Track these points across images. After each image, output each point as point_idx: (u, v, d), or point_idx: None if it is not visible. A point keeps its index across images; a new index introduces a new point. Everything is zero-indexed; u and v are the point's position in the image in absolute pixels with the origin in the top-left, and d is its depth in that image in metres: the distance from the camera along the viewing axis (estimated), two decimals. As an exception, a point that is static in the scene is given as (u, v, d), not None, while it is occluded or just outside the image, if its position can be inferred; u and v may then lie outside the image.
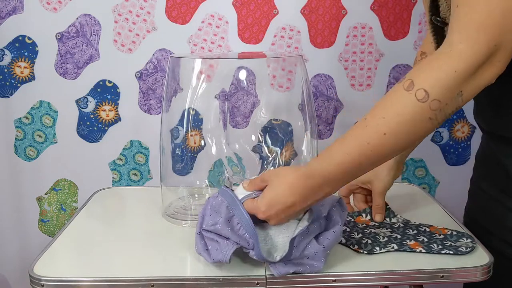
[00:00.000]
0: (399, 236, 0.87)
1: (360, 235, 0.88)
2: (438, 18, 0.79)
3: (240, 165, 1.04)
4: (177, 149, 1.07)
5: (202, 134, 1.07)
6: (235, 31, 1.21)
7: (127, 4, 1.19)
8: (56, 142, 1.26)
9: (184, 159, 1.09)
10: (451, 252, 0.81)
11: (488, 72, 0.65)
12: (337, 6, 1.20)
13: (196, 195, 1.08)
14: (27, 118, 1.24)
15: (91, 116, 1.25)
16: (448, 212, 1.01)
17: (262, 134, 1.05)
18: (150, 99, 1.24)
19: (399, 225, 0.92)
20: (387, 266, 0.79)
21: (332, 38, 1.22)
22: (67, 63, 1.21)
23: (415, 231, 0.89)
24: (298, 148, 1.05)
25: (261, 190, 0.75)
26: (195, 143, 1.10)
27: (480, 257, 0.80)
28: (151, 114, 1.25)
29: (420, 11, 1.21)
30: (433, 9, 0.80)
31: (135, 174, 1.29)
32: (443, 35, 0.82)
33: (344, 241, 0.85)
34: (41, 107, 1.24)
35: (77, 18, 1.19)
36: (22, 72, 1.21)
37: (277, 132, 1.05)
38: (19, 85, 1.22)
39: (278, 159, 1.03)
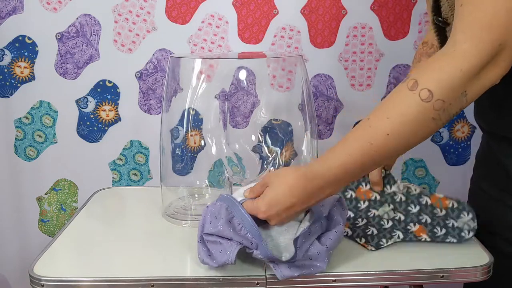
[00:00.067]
0: (402, 217, 0.86)
1: (365, 221, 0.87)
2: (440, 18, 0.78)
3: (240, 165, 1.04)
4: (177, 149, 1.07)
5: (202, 134, 1.07)
6: (235, 31, 1.21)
7: (127, 4, 1.19)
8: (56, 142, 1.26)
9: (184, 159, 1.09)
10: (454, 240, 0.82)
11: (493, 72, 0.65)
12: (337, 6, 1.20)
13: (196, 195, 1.08)
14: (27, 118, 1.24)
15: (91, 116, 1.25)
16: (448, 212, 1.01)
17: (262, 134, 1.05)
18: (150, 99, 1.24)
19: (400, 197, 0.90)
20: (387, 266, 0.79)
21: (332, 38, 1.22)
22: (67, 63, 1.21)
23: (417, 208, 0.88)
24: (298, 148, 1.05)
25: None
26: (195, 143, 1.10)
27: (480, 257, 0.80)
28: (151, 114, 1.25)
29: (420, 11, 1.21)
30: (435, 9, 0.80)
31: (135, 174, 1.29)
32: (445, 35, 0.83)
33: (350, 233, 0.85)
34: (41, 107, 1.24)
35: (77, 18, 1.19)
36: (22, 72, 1.21)
37: (277, 132, 1.05)
38: (19, 85, 1.22)
39: (278, 159, 1.03)
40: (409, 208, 0.88)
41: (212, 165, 1.06)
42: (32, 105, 1.24)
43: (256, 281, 0.76)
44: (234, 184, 1.02)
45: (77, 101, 1.24)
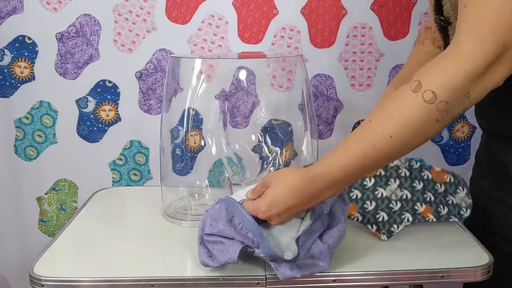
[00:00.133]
0: (409, 195, 0.87)
1: (374, 204, 0.87)
2: (441, 18, 0.78)
3: (240, 165, 1.04)
4: (177, 149, 1.07)
5: (202, 134, 1.07)
6: (235, 31, 1.21)
7: (127, 4, 1.19)
8: (56, 142, 1.26)
9: (184, 159, 1.09)
10: (456, 219, 0.86)
11: (497, 73, 0.64)
12: (337, 6, 1.20)
13: (196, 195, 1.08)
14: (27, 118, 1.24)
15: (91, 116, 1.25)
16: (448, 212, 1.01)
17: (262, 134, 1.05)
18: (150, 99, 1.24)
19: (404, 172, 0.90)
20: (387, 266, 0.79)
21: (332, 38, 1.22)
22: (67, 63, 1.21)
23: (421, 184, 0.89)
24: (298, 148, 1.05)
25: None
26: (195, 143, 1.10)
27: (480, 257, 0.80)
28: (151, 114, 1.25)
29: (420, 11, 1.21)
30: (437, 8, 0.80)
31: (135, 174, 1.29)
32: (447, 34, 0.83)
33: (360, 218, 0.84)
34: (41, 107, 1.24)
35: (77, 18, 1.19)
36: (22, 72, 1.21)
37: (277, 132, 1.05)
38: (19, 85, 1.22)
39: (278, 159, 1.03)
40: (414, 184, 0.88)
41: (212, 165, 1.06)
42: (32, 105, 1.24)
43: (256, 281, 0.76)
44: (234, 184, 1.02)
45: (77, 101, 1.24)
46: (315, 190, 0.70)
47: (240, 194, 0.79)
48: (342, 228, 0.78)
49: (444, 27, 0.81)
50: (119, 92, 1.24)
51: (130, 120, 1.25)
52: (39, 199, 1.29)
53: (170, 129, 1.05)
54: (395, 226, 0.84)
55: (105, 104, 1.24)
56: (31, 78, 1.22)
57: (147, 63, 1.22)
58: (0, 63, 1.21)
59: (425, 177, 0.89)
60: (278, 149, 1.04)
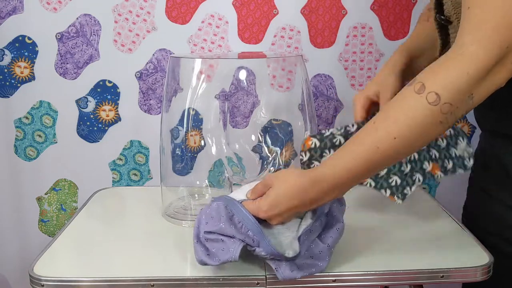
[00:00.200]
0: (416, 156, 0.87)
1: (385, 169, 0.86)
2: (442, 16, 0.78)
3: (240, 165, 1.04)
4: (177, 149, 1.07)
5: (202, 134, 1.07)
6: (235, 31, 1.21)
7: (127, 4, 1.19)
8: (56, 142, 1.26)
9: (184, 159, 1.09)
10: (462, 171, 0.86)
11: (500, 74, 0.65)
12: (337, 6, 1.20)
13: (196, 195, 1.08)
14: (27, 118, 1.24)
15: (91, 116, 1.25)
16: (448, 212, 1.01)
17: (262, 134, 1.05)
18: (150, 99, 1.24)
19: None
20: (387, 266, 0.79)
21: (332, 38, 1.22)
22: (67, 63, 1.21)
23: None
24: (298, 148, 1.05)
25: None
26: (195, 143, 1.10)
27: (480, 257, 0.80)
28: (151, 114, 1.25)
29: (420, 11, 1.21)
30: (438, 6, 0.80)
31: (135, 174, 1.29)
32: (447, 33, 0.83)
33: (373, 184, 0.84)
34: (41, 107, 1.24)
35: (77, 18, 1.19)
36: (22, 72, 1.21)
37: (277, 132, 1.05)
38: (19, 85, 1.22)
39: (278, 159, 1.03)
40: None
41: (212, 165, 1.06)
42: (32, 105, 1.24)
43: (256, 281, 0.76)
44: (234, 184, 1.02)
45: (77, 101, 1.24)
46: (318, 192, 0.70)
47: (237, 195, 0.79)
48: (341, 228, 0.78)
49: (444, 26, 0.81)
50: (119, 92, 1.24)
51: (130, 120, 1.25)
52: (39, 199, 1.29)
53: (170, 129, 1.05)
54: (408, 188, 0.84)
55: (105, 104, 1.24)
56: (31, 78, 1.22)
57: (147, 63, 1.22)
58: (0, 63, 1.21)
59: None
60: (278, 149, 1.04)
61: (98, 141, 1.26)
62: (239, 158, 1.04)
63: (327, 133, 0.86)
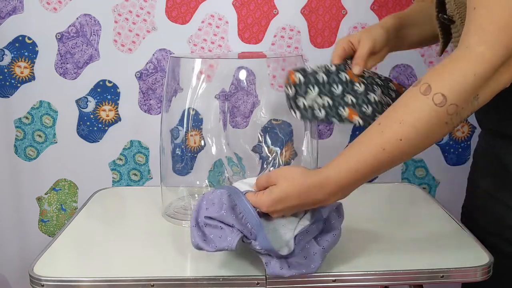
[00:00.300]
0: (330, 102, 0.84)
1: (299, 114, 0.84)
2: (445, 16, 0.78)
3: (240, 165, 1.04)
4: (177, 149, 1.07)
5: (202, 134, 1.07)
6: (235, 31, 1.21)
7: (127, 4, 1.19)
8: (56, 142, 1.26)
9: (184, 159, 1.09)
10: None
11: (505, 75, 0.65)
12: (337, 6, 1.20)
13: (196, 195, 1.08)
14: (27, 118, 1.24)
15: (91, 116, 1.25)
16: (448, 212, 1.01)
17: (262, 134, 1.05)
18: (150, 99, 1.24)
19: (322, 77, 0.86)
20: (387, 266, 0.79)
21: (332, 38, 1.22)
22: (67, 63, 1.21)
23: (340, 88, 0.85)
24: (298, 148, 1.05)
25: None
26: (195, 143, 1.10)
27: (480, 257, 0.80)
28: (151, 114, 1.25)
29: (420, 11, 1.21)
30: (439, 5, 0.80)
31: (135, 174, 1.29)
32: (448, 31, 0.83)
33: (361, 122, 0.82)
34: (41, 107, 1.24)
35: (77, 18, 1.19)
36: (22, 72, 1.21)
37: (277, 132, 1.05)
38: (19, 85, 1.22)
39: (278, 159, 1.03)
40: (333, 89, 0.85)
41: (212, 165, 1.06)
42: (32, 105, 1.24)
43: (256, 281, 0.76)
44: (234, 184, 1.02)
45: (77, 101, 1.24)
46: (322, 194, 0.70)
47: (241, 185, 0.78)
48: (338, 234, 0.78)
49: (445, 26, 0.81)
50: (119, 92, 1.24)
51: (130, 120, 1.25)
52: (39, 199, 1.29)
53: (170, 129, 1.05)
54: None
55: (105, 104, 1.24)
56: (31, 78, 1.22)
57: (147, 63, 1.22)
58: (0, 63, 1.21)
59: (343, 79, 0.85)
60: (278, 149, 1.04)
61: (98, 141, 1.26)
62: (239, 158, 1.04)
63: (309, 70, 0.85)
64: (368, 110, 0.84)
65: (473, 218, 0.93)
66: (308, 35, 1.22)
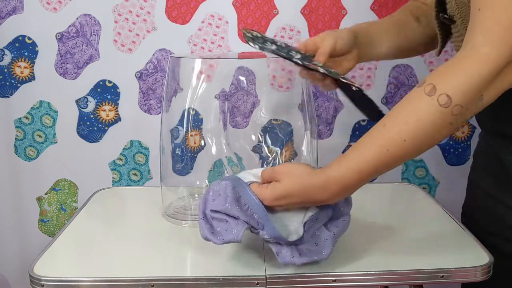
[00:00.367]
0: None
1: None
2: (445, 16, 0.78)
3: (240, 165, 1.04)
4: (177, 149, 1.07)
5: (202, 134, 1.07)
6: (235, 31, 1.21)
7: (127, 4, 1.19)
8: (56, 142, 1.26)
9: (184, 159, 1.09)
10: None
11: (510, 75, 0.65)
12: (337, 6, 1.20)
13: (196, 195, 1.08)
14: (27, 118, 1.24)
15: (91, 116, 1.25)
16: (448, 212, 1.01)
17: (262, 134, 1.05)
18: (150, 99, 1.24)
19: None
20: (387, 266, 0.79)
21: (332, 38, 1.22)
22: (67, 63, 1.21)
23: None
24: (298, 148, 1.05)
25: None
26: (195, 143, 1.10)
27: (480, 257, 0.80)
28: (151, 114, 1.25)
29: (420, 11, 1.21)
30: (439, 5, 0.80)
31: (135, 174, 1.29)
32: (447, 31, 0.83)
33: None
34: (41, 107, 1.24)
35: (77, 18, 1.19)
36: (22, 72, 1.21)
37: (277, 132, 1.05)
38: (19, 85, 1.22)
39: (278, 159, 1.03)
40: (291, 54, 0.86)
41: (212, 165, 1.05)
42: (32, 105, 1.24)
43: (256, 281, 0.76)
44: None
45: (77, 101, 1.24)
46: (326, 194, 0.70)
47: (247, 176, 0.78)
48: (347, 220, 0.78)
49: (446, 25, 0.81)
50: (119, 92, 1.24)
51: (130, 120, 1.25)
52: (39, 199, 1.29)
53: (170, 129, 1.05)
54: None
55: (105, 104, 1.24)
56: (31, 78, 1.22)
57: (147, 63, 1.22)
58: (0, 63, 1.21)
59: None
60: (278, 149, 1.04)
61: (98, 141, 1.26)
62: (239, 158, 1.04)
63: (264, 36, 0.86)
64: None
65: (473, 218, 0.93)
66: (308, 35, 1.22)
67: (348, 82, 0.84)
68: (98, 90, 1.23)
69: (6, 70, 1.21)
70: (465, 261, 0.79)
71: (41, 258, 0.82)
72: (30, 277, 0.77)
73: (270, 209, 0.74)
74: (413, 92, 0.68)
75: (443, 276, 0.77)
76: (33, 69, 1.21)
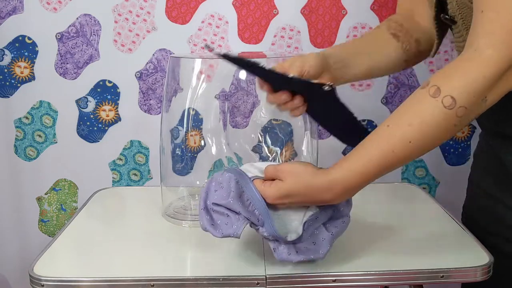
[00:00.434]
0: None
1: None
2: (446, 16, 0.78)
3: (240, 165, 1.04)
4: (177, 149, 1.07)
5: (202, 134, 1.07)
6: (235, 31, 1.21)
7: (127, 4, 1.19)
8: (56, 142, 1.26)
9: (184, 159, 1.09)
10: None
11: None
12: (337, 6, 1.20)
13: (196, 195, 1.08)
14: (27, 118, 1.24)
15: (91, 116, 1.25)
16: (448, 212, 1.01)
17: (262, 134, 1.05)
18: (150, 99, 1.24)
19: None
20: (387, 266, 0.79)
21: (332, 38, 1.22)
22: (67, 63, 1.21)
23: None
24: (298, 148, 1.05)
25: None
26: (195, 143, 1.10)
27: (480, 257, 0.80)
28: (151, 114, 1.25)
29: (420, 11, 1.21)
30: (439, 5, 0.80)
31: (135, 174, 1.29)
32: (443, 34, 0.83)
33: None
34: (41, 107, 1.24)
35: (77, 18, 1.19)
36: (22, 72, 1.21)
37: (277, 132, 1.05)
38: (19, 85, 1.22)
39: (278, 159, 1.03)
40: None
41: (212, 165, 1.06)
42: (32, 105, 1.24)
43: (256, 281, 0.76)
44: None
45: (77, 101, 1.24)
46: (330, 195, 0.70)
47: (250, 169, 0.78)
48: (347, 221, 0.78)
49: (445, 25, 0.81)
50: (119, 92, 1.24)
51: (130, 120, 1.25)
52: (39, 199, 1.29)
53: (170, 129, 1.05)
54: None
55: (105, 104, 1.24)
56: (31, 78, 1.22)
57: (147, 63, 1.22)
58: (0, 63, 1.21)
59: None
60: (278, 149, 1.04)
61: (98, 141, 1.26)
62: (239, 158, 1.04)
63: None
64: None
65: (473, 218, 0.93)
66: (308, 35, 1.22)
67: (318, 82, 0.80)
68: (98, 90, 1.23)
69: (6, 70, 1.21)
70: (465, 261, 0.79)
71: (41, 258, 0.82)
72: (30, 277, 0.77)
73: (271, 206, 0.74)
74: (417, 94, 0.68)
75: (443, 276, 0.77)
76: (33, 69, 1.21)
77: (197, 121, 1.04)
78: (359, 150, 0.70)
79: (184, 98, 1.01)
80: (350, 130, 0.84)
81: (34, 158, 1.27)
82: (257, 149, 1.05)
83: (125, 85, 1.23)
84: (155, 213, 1.02)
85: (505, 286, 0.85)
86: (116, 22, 1.20)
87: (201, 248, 0.86)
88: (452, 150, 1.30)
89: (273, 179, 0.73)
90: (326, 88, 0.80)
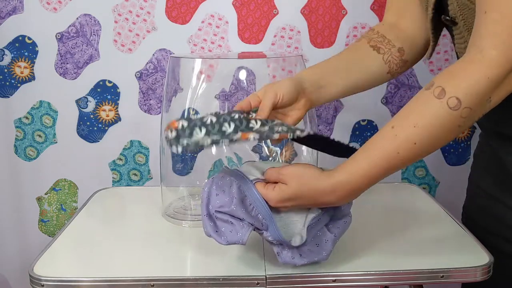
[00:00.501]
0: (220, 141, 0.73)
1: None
2: (447, 18, 0.78)
3: (240, 165, 1.04)
4: (177, 149, 1.07)
5: (202, 134, 1.07)
6: (235, 31, 1.21)
7: (127, 4, 1.19)
8: (56, 142, 1.26)
9: (184, 159, 1.09)
10: (285, 129, 0.73)
11: None
12: (337, 6, 1.20)
13: (196, 195, 1.08)
14: (27, 118, 1.24)
15: (91, 116, 1.25)
16: (448, 212, 1.01)
17: (262, 134, 1.05)
18: (150, 99, 1.24)
19: (210, 118, 0.74)
20: (387, 266, 0.79)
21: (332, 38, 1.22)
22: (67, 63, 1.21)
23: (232, 126, 0.74)
24: (298, 148, 1.05)
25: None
26: (195, 143, 1.10)
27: (480, 257, 0.80)
28: (151, 114, 1.25)
29: (420, 11, 1.21)
30: (438, 6, 0.80)
31: (135, 174, 1.29)
32: (438, 34, 0.83)
33: (256, 137, 0.72)
34: (41, 107, 1.24)
35: (77, 18, 1.19)
36: (22, 72, 1.21)
37: (277, 132, 1.05)
38: (19, 85, 1.22)
39: (278, 159, 1.03)
40: (224, 128, 0.74)
41: (212, 165, 1.06)
42: (32, 105, 1.24)
43: (256, 281, 0.76)
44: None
45: (77, 101, 1.24)
46: (334, 197, 0.70)
47: (252, 171, 0.77)
48: (348, 221, 0.78)
49: (439, 30, 0.81)
50: (119, 92, 1.24)
51: (130, 120, 1.25)
52: (39, 199, 1.29)
53: (170, 129, 1.05)
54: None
55: (105, 104, 1.24)
56: (31, 78, 1.22)
57: (147, 63, 1.22)
58: (0, 63, 1.21)
59: (236, 117, 0.76)
60: (278, 149, 1.04)
61: (98, 141, 1.26)
62: (239, 158, 1.04)
63: (195, 117, 0.76)
64: (265, 128, 0.75)
65: (473, 218, 0.93)
66: (308, 35, 1.22)
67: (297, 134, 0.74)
68: (98, 90, 1.23)
69: (6, 70, 1.21)
70: (465, 261, 0.79)
71: (41, 258, 0.82)
72: (30, 277, 0.77)
73: (273, 209, 0.74)
74: (421, 95, 0.68)
75: (443, 276, 0.77)
76: (33, 69, 1.21)
77: (197, 121, 1.04)
78: (363, 152, 0.70)
79: (184, 98, 1.01)
80: (340, 152, 0.83)
81: (34, 158, 1.27)
82: (257, 149, 1.05)
83: (125, 85, 1.23)
84: (155, 213, 1.02)
85: (505, 286, 0.85)
86: (116, 22, 1.20)
87: (201, 248, 0.86)
88: (452, 150, 1.30)
89: (276, 182, 0.73)
90: (303, 134, 0.74)
